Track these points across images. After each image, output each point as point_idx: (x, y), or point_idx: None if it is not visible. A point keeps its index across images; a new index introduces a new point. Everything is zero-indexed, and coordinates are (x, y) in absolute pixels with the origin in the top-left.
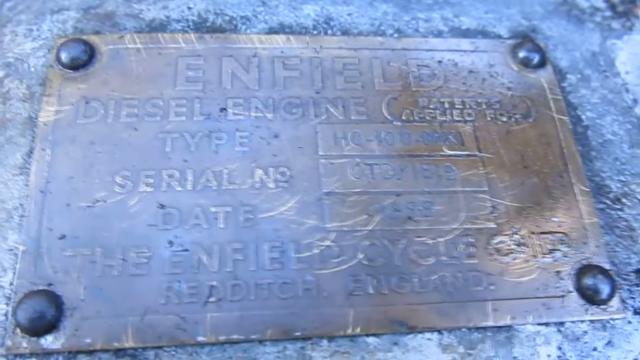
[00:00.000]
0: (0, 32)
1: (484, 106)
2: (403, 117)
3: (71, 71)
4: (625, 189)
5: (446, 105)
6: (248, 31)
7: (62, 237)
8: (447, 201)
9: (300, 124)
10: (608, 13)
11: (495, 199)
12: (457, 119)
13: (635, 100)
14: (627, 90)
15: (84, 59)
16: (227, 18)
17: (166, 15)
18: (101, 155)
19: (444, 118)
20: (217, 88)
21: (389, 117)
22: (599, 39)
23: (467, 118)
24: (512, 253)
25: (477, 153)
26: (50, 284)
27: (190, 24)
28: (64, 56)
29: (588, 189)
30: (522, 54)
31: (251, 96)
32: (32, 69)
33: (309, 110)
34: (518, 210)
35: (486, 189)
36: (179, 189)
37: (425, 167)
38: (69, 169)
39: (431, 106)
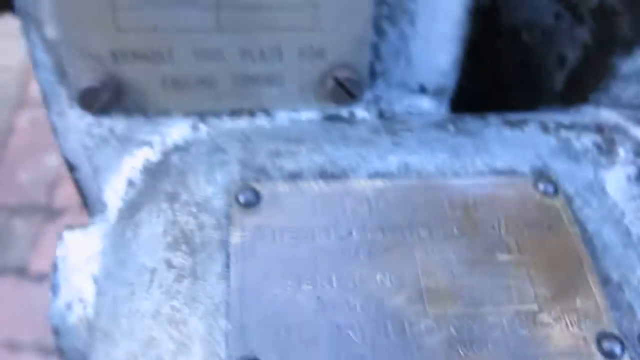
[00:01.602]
0: (185, 179)
1: (520, 223)
2: (469, 234)
3: (246, 208)
4: (623, 278)
5: (495, 224)
6: (354, 177)
7: (258, 320)
8: (503, 291)
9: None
10: (596, 151)
11: (535, 288)
12: (504, 234)
13: (622, 213)
14: (617, 207)
15: (254, 200)
16: (339, 168)
17: (300, 167)
18: (275, 264)
19: (496, 233)
20: (343, 218)
21: (458, 234)
22: (592, 171)
23: (511, 233)
24: (550, 326)
25: (521, 258)
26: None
27: (316, 173)
28: (239, 198)
29: (598, 280)
30: (541, 186)
31: (369, 223)
32: (217, 207)
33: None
34: (553, 295)
35: (528, 282)
36: (329, 287)
37: (485, 269)
38: (256, 274)
39: (485, 224)
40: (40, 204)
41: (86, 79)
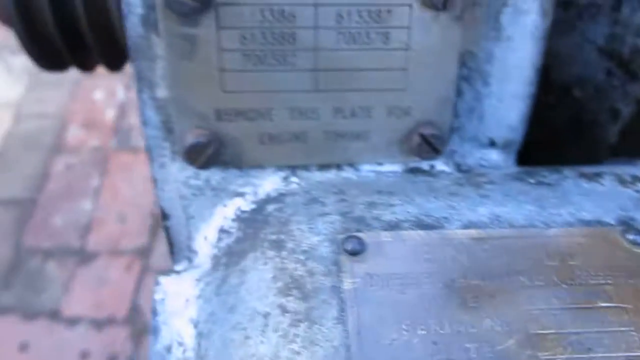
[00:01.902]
0: (289, 228)
1: (615, 272)
2: (568, 282)
3: (353, 256)
4: None
5: (591, 272)
6: (450, 227)
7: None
8: (610, 337)
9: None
10: None
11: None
12: (601, 281)
13: None
14: None
15: (359, 248)
16: (433, 218)
17: (396, 218)
18: (388, 309)
19: (594, 281)
20: (445, 265)
21: (557, 281)
22: None
23: (608, 281)
24: None
25: (621, 305)
26: None
27: (413, 223)
28: (346, 247)
29: None
30: (629, 237)
31: (471, 271)
32: (324, 255)
33: (506, 280)
34: None
35: (632, 327)
36: (442, 332)
37: (588, 316)
38: (371, 319)
39: (582, 272)
40: (74, 247)
41: (191, 136)
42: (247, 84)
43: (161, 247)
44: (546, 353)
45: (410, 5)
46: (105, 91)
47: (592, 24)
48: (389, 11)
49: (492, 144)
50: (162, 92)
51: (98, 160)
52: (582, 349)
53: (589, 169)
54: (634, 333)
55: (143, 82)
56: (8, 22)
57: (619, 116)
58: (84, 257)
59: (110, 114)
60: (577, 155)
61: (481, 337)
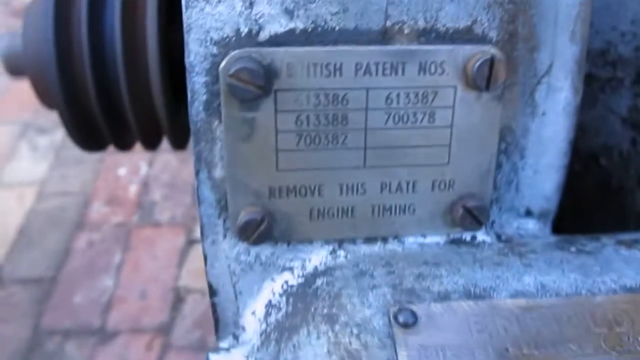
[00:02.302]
0: (340, 302)
1: None
2: (617, 348)
3: (406, 328)
4: None
5: (638, 338)
6: (498, 297)
7: None
8: None
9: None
10: None
11: None
12: None
13: None
14: None
15: (412, 320)
16: (481, 288)
17: (445, 288)
18: None
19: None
20: (497, 335)
21: (606, 349)
22: None
23: None
24: None
25: None
26: None
27: (462, 294)
28: (399, 319)
29: None
30: None
31: (522, 340)
32: (377, 327)
33: (557, 348)
34: None
35: None
36: None
37: None
38: None
39: (629, 339)
40: (94, 326)
41: (245, 213)
42: (300, 163)
43: (182, 323)
44: None
45: (455, 87)
46: (128, 167)
47: (614, 96)
48: (435, 93)
49: (528, 213)
50: (218, 172)
51: (120, 236)
52: None
53: (625, 236)
54: None
55: (202, 162)
56: (53, 105)
57: None
58: (104, 336)
59: (133, 190)
60: (606, 221)
61: None
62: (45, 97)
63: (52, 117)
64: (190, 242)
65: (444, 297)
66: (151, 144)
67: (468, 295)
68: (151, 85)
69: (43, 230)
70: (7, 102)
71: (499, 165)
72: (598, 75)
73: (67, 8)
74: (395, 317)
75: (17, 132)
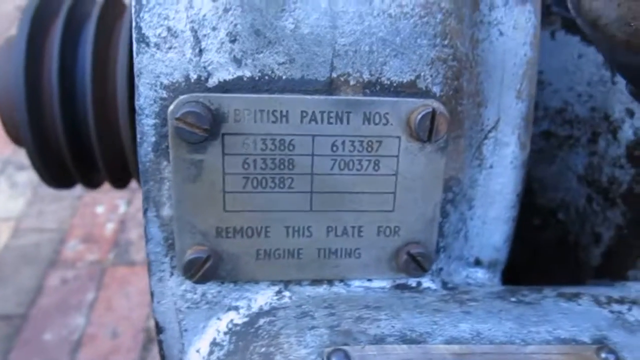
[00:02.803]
0: (278, 341)
1: None
2: None
3: None
4: None
5: None
6: (432, 342)
7: None
8: None
9: None
10: None
11: None
12: None
13: None
14: None
15: None
16: (417, 333)
17: (382, 332)
18: None
19: None
20: None
21: None
22: None
23: None
24: None
25: None
26: None
27: (398, 338)
28: (333, 359)
29: None
30: (603, 355)
31: None
32: None
33: None
34: None
35: None
36: None
37: None
38: None
39: None
40: None
41: (191, 251)
42: (247, 204)
43: None
44: None
45: (399, 137)
46: (106, 205)
47: (572, 154)
48: (379, 142)
49: (478, 263)
50: (166, 211)
51: (95, 274)
52: None
53: (567, 289)
54: None
55: (150, 201)
56: (19, 142)
57: (601, 240)
58: None
59: (110, 228)
60: (563, 276)
61: None
62: (14, 134)
63: None
64: None
65: (379, 339)
66: (119, 183)
67: (404, 339)
68: (119, 126)
69: (16, 266)
70: None
71: (446, 214)
72: (557, 133)
73: (39, 47)
74: (329, 358)
75: None
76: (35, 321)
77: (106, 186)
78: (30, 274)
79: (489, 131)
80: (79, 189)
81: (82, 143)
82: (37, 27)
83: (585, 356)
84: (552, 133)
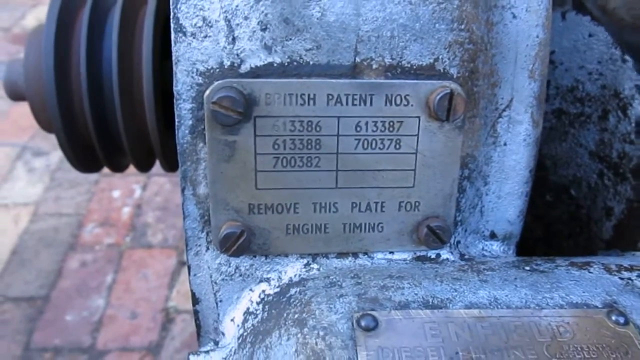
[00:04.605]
0: (310, 308)
1: (600, 348)
2: (557, 356)
3: (367, 332)
4: None
5: (578, 348)
6: (453, 307)
7: None
8: None
9: None
10: None
11: None
12: (586, 356)
13: None
14: None
15: (373, 325)
16: (438, 299)
17: (406, 299)
18: None
19: (579, 356)
20: (449, 341)
21: (548, 355)
22: None
23: (592, 355)
24: None
25: None
26: None
27: (421, 304)
28: (361, 323)
29: None
30: (613, 318)
31: (471, 346)
32: (341, 330)
33: (503, 354)
34: None
35: None
36: None
37: None
38: None
39: (570, 348)
40: (84, 344)
41: (226, 227)
42: (277, 182)
43: (171, 343)
44: None
45: (418, 117)
46: (122, 190)
47: (583, 131)
48: (400, 122)
49: (493, 236)
50: (202, 190)
51: (113, 257)
52: None
53: (579, 259)
54: None
55: (187, 180)
56: (48, 128)
57: (612, 213)
58: (94, 354)
59: (126, 212)
60: (575, 250)
61: None
62: (43, 121)
63: (48, 140)
64: (181, 264)
65: (404, 305)
66: (144, 166)
67: (426, 305)
68: (145, 111)
69: (36, 250)
70: (4, 124)
71: (463, 190)
72: (568, 111)
73: (67, 37)
74: (358, 322)
75: (14, 154)
76: (56, 303)
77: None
78: (50, 258)
79: (503, 110)
80: (95, 175)
81: (109, 128)
82: (64, 15)
83: (597, 319)
84: (564, 111)
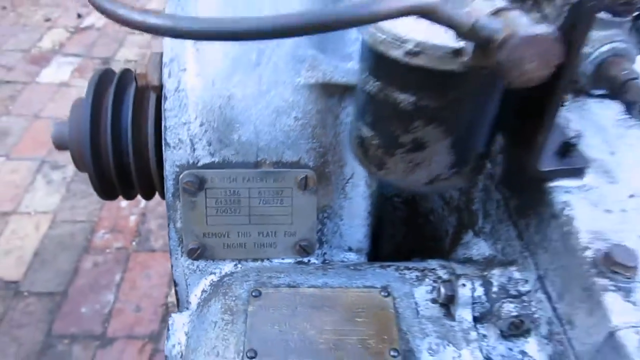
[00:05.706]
0: (231, 287)
1: (370, 308)
2: (348, 311)
3: (256, 298)
4: (412, 344)
5: (357, 309)
6: (303, 286)
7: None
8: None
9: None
10: (414, 276)
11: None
12: (360, 311)
13: (417, 303)
14: (413, 297)
15: (257, 295)
16: (296, 283)
17: (280, 282)
18: (273, 318)
19: (360, 309)
20: (298, 301)
21: (342, 311)
22: (409, 288)
23: (364, 311)
24: None
25: (365, 319)
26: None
27: (286, 285)
28: (254, 293)
29: (397, 330)
30: (383, 293)
31: (309, 302)
32: (243, 297)
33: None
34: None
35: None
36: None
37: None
38: (261, 320)
39: (354, 307)
40: (96, 332)
41: (191, 244)
42: (217, 221)
43: None
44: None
45: (292, 188)
46: (129, 201)
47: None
48: (282, 190)
49: (350, 249)
50: (179, 224)
51: (121, 259)
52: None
53: (387, 263)
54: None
55: (170, 219)
56: (83, 169)
57: (448, 234)
58: (105, 340)
59: (133, 220)
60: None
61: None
62: (80, 164)
63: (64, 155)
64: None
65: (276, 285)
66: (148, 196)
67: (289, 285)
68: (150, 163)
69: (55, 252)
70: (25, 141)
71: (324, 224)
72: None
73: (98, 108)
74: (251, 293)
75: (34, 167)
76: (73, 298)
77: None
78: (66, 259)
79: (348, 179)
80: None
81: (125, 172)
82: (97, 92)
83: (373, 294)
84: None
